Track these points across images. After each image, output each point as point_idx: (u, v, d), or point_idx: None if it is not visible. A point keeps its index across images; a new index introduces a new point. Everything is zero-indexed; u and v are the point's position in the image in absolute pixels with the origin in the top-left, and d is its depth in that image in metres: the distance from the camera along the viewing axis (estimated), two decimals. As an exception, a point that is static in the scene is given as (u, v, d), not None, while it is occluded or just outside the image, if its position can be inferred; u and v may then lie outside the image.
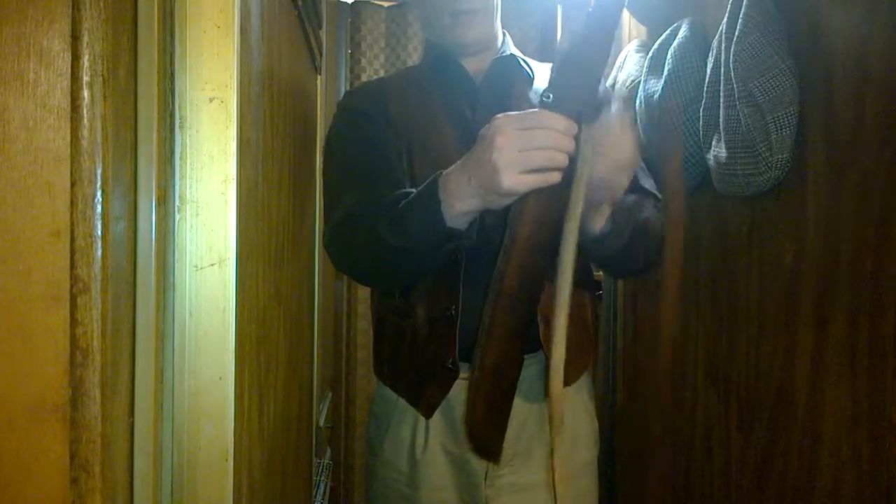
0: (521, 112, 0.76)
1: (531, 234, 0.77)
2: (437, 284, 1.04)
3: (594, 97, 0.72)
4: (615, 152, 0.77)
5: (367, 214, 0.96)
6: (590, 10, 0.71)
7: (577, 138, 0.73)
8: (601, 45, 0.72)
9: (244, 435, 0.69)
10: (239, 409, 0.65)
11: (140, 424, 0.54)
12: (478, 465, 1.07)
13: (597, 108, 0.73)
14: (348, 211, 1.00)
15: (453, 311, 1.03)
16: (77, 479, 0.45)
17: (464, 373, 1.05)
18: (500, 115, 0.77)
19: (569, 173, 0.73)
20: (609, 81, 1.66)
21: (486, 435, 0.86)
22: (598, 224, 0.89)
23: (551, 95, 0.73)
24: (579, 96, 0.72)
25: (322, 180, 1.15)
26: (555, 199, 0.75)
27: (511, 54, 1.14)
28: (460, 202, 0.83)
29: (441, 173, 0.85)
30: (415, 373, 1.10)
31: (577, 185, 0.73)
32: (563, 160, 0.74)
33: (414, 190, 0.90)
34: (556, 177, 0.75)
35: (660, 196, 1.11)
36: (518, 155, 0.74)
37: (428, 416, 1.08)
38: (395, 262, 0.95)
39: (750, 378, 1.13)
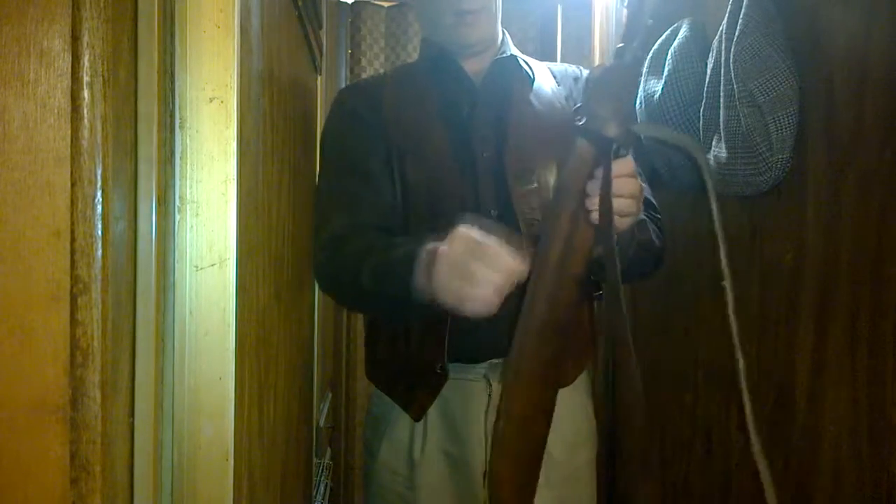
0: (478, 239, 0.77)
1: (562, 262, 0.73)
2: None
3: (626, 121, 0.72)
4: (627, 186, 0.78)
5: (353, 251, 0.99)
6: (620, 45, 0.72)
7: (605, 162, 0.72)
8: (630, 76, 0.73)
9: (244, 435, 0.69)
10: (239, 409, 0.65)
11: (140, 424, 0.54)
12: (476, 466, 1.07)
13: (628, 133, 0.72)
14: (333, 235, 1.03)
15: (442, 316, 1.04)
16: (77, 480, 0.45)
17: (454, 374, 1.06)
18: (460, 229, 0.79)
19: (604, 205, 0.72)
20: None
21: (512, 500, 0.75)
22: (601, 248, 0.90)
23: (584, 117, 0.73)
24: (611, 119, 0.71)
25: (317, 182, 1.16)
26: (587, 225, 0.73)
27: (511, 54, 1.14)
28: (423, 281, 0.84)
29: (425, 247, 0.86)
30: (405, 377, 1.10)
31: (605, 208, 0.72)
32: (493, 297, 0.74)
33: (401, 239, 0.97)
34: (485, 307, 0.75)
35: (655, 203, 1.12)
36: (455, 281, 0.77)
37: (418, 419, 1.09)
38: (373, 306, 1.05)
39: (750, 378, 1.13)
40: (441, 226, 1.03)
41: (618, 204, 0.77)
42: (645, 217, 1.04)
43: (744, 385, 0.64)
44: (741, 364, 0.65)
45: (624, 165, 0.77)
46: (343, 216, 1.04)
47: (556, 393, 0.75)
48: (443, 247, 0.80)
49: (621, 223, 0.80)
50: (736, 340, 0.66)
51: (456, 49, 1.11)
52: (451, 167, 1.05)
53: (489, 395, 1.08)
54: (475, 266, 0.75)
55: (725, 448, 1.21)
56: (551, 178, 1.06)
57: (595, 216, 0.72)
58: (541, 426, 0.74)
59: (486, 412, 1.08)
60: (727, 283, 0.68)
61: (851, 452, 0.89)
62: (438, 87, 1.12)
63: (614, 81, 0.72)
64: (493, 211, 1.05)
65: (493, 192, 1.05)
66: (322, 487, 1.52)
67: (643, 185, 0.83)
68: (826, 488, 0.94)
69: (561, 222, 0.72)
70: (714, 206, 0.70)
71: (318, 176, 1.16)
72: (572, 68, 1.22)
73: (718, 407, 1.24)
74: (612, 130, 0.71)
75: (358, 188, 1.06)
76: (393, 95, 1.13)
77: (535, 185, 1.05)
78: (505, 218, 1.05)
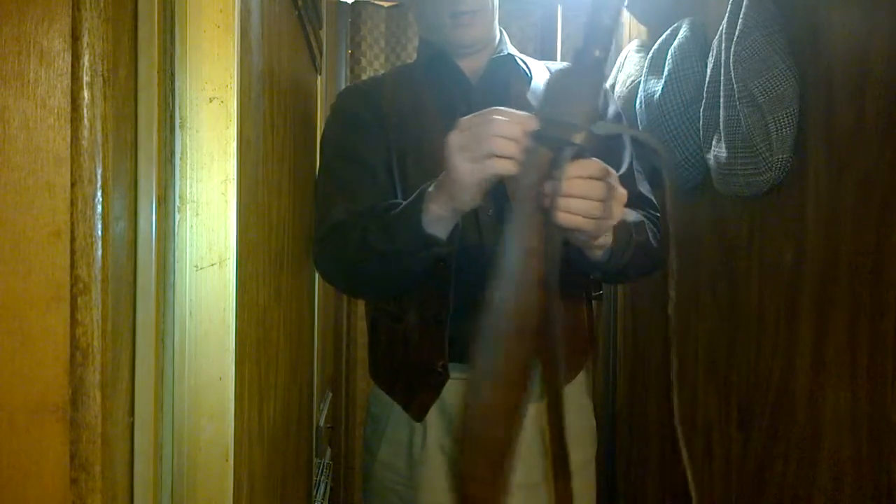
0: (478, 112, 0.78)
1: (523, 266, 0.70)
2: (427, 289, 1.05)
3: (584, 123, 0.69)
4: (582, 188, 0.74)
5: (358, 223, 0.97)
6: (578, 46, 0.71)
7: (561, 163, 0.70)
8: (591, 78, 0.70)
9: (244, 435, 0.69)
10: (239, 409, 0.65)
11: (140, 424, 0.54)
12: None
13: (587, 135, 0.69)
14: (336, 222, 1.02)
15: (444, 316, 1.04)
16: (77, 480, 0.45)
17: (455, 374, 1.06)
18: (461, 118, 0.79)
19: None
20: (609, 82, 1.66)
21: (482, 498, 0.72)
22: (598, 253, 0.90)
23: (539, 122, 0.71)
24: (567, 122, 0.69)
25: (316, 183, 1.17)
26: (550, 231, 0.71)
27: (508, 53, 1.14)
28: (434, 204, 0.85)
29: (431, 182, 0.87)
30: (406, 376, 1.10)
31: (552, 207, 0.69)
32: (510, 147, 0.73)
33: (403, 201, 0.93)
34: (507, 165, 0.74)
35: (654, 202, 1.12)
36: (466, 146, 0.77)
37: (419, 419, 1.09)
38: (382, 270, 0.96)
39: (750, 378, 1.13)
40: None
41: (572, 205, 0.73)
42: (643, 218, 1.04)
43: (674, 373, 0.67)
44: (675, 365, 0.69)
45: (582, 167, 0.74)
46: (344, 204, 1.04)
47: (524, 394, 0.72)
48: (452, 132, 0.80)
49: (581, 224, 0.76)
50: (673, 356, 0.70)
51: (453, 49, 1.12)
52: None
53: None
54: (490, 125, 0.75)
55: (725, 448, 1.21)
56: None
57: (558, 216, 0.71)
58: (507, 426, 0.71)
59: None
60: (671, 307, 0.68)
61: (851, 452, 0.89)
62: (436, 87, 1.12)
63: (572, 83, 0.71)
64: (490, 209, 1.05)
65: (490, 190, 1.05)
66: (322, 487, 1.52)
67: (618, 187, 0.80)
68: (826, 488, 0.94)
69: (519, 226, 0.71)
70: (668, 205, 0.70)
71: (318, 172, 1.17)
72: None
73: (718, 407, 1.24)
74: (567, 133, 0.69)
75: (358, 179, 1.07)
76: (391, 96, 1.13)
77: None
78: (502, 215, 1.05)
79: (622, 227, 0.88)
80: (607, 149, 0.82)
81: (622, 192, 0.79)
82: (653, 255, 1.05)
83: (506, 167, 0.74)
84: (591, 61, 0.70)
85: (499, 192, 1.05)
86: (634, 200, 1.01)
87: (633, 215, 0.97)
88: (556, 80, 0.73)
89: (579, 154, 0.72)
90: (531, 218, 0.70)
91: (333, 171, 1.11)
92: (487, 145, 0.75)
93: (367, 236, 0.94)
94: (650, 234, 1.04)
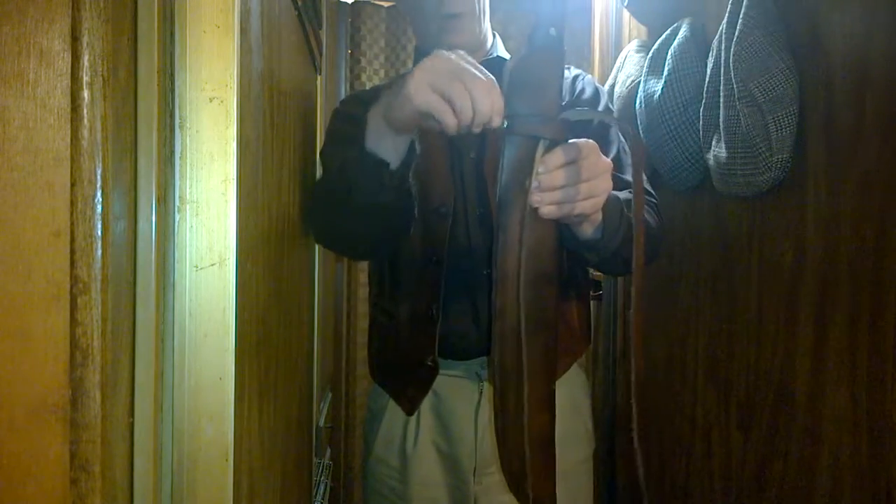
0: (467, 59, 0.75)
1: (521, 264, 0.70)
2: (419, 285, 1.08)
3: (551, 113, 0.68)
4: (555, 180, 0.72)
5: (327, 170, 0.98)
6: (531, 31, 0.68)
7: (534, 157, 0.69)
8: (550, 61, 0.68)
9: (244, 435, 0.69)
10: (239, 409, 0.65)
11: (140, 424, 0.54)
12: (467, 462, 1.10)
13: (556, 125, 0.68)
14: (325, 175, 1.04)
15: (434, 311, 1.06)
16: (77, 480, 0.45)
17: (446, 370, 1.08)
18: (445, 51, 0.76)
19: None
20: (609, 81, 1.66)
21: (537, 487, 0.73)
22: (589, 230, 0.89)
23: (505, 121, 0.69)
24: (533, 114, 0.68)
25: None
26: (537, 222, 0.70)
27: (498, 56, 1.16)
28: (374, 117, 0.82)
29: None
30: (397, 371, 1.13)
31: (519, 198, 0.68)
32: (467, 108, 0.70)
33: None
34: (449, 120, 0.71)
35: (652, 191, 1.11)
36: (437, 73, 0.73)
37: (410, 413, 1.12)
38: (345, 209, 0.93)
39: (750, 378, 1.13)
40: (429, 226, 1.06)
41: (555, 197, 0.72)
42: (630, 196, 1.02)
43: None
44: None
45: (556, 158, 0.72)
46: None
47: (551, 386, 0.73)
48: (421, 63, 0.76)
49: (567, 211, 0.74)
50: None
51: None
52: (438, 168, 1.08)
53: (480, 391, 1.10)
54: (474, 79, 0.71)
55: (725, 448, 1.21)
56: None
57: (542, 211, 0.70)
58: (542, 419, 0.72)
59: (478, 408, 1.10)
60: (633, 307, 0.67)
61: (851, 452, 0.89)
62: None
63: (532, 71, 0.68)
64: (478, 210, 1.08)
65: (478, 192, 1.07)
66: (322, 487, 1.52)
67: (598, 160, 0.76)
68: (826, 488, 0.94)
69: (511, 225, 0.70)
70: (635, 188, 0.68)
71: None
72: None
73: (718, 407, 1.24)
74: (535, 128, 0.67)
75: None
76: None
77: None
78: (490, 217, 1.07)
79: (611, 200, 0.85)
80: (598, 136, 0.82)
81: (605, 162, 0.77)
82: (650, 235, 1.03)
83: (447, 120, 0.72)
84: (547, 42, 0.67)
85: (486, 194, 1.06)
86: (622, 187, 1.00)
87: (622, 194, 0.95)
88: (516, 68, 0.70)
89: (552, 145, 0.70)
90: (519, 217, 0.69)
91: (332, 140, 1.12)
92: (453, 90, 0.71)
93: (330, 175, 0.93)
94: (644, 213, 1.02)
